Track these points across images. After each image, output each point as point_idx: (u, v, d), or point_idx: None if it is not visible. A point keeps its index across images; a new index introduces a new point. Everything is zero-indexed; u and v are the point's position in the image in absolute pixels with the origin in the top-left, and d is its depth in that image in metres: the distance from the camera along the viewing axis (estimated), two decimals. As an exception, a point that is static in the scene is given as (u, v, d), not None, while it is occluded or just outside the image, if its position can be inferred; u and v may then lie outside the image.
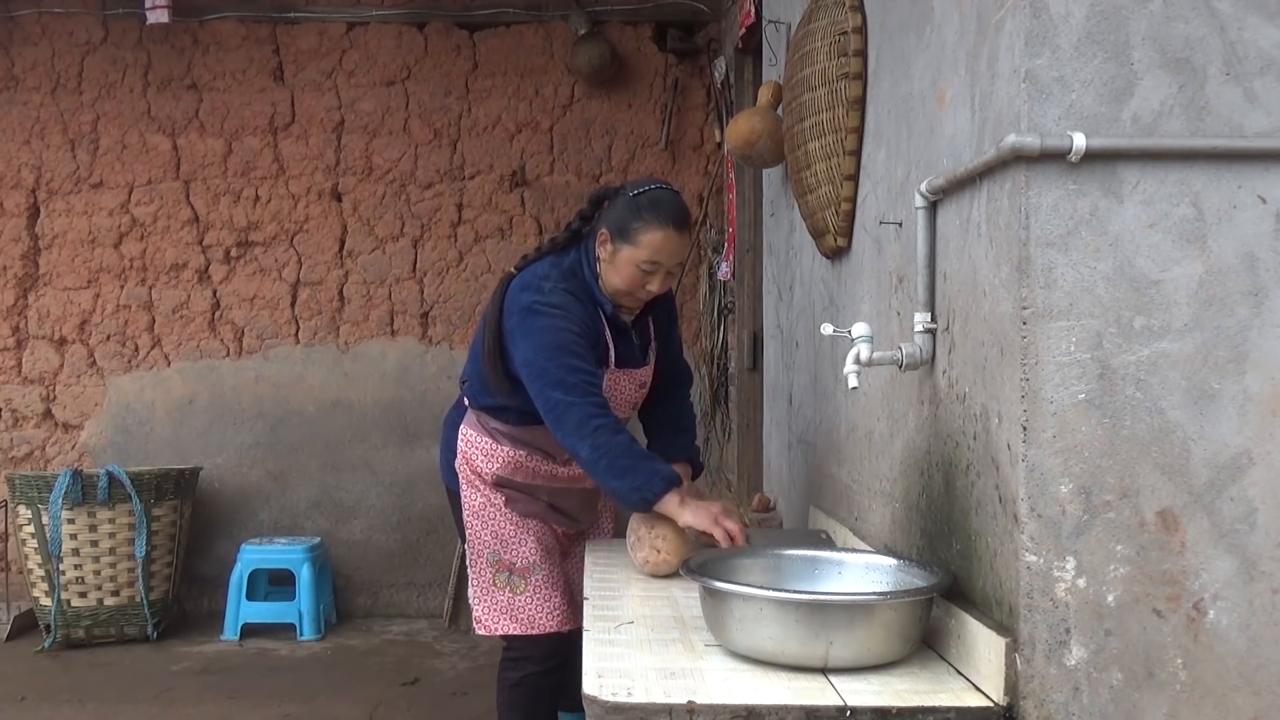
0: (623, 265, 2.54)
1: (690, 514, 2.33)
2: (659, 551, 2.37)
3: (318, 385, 5.39)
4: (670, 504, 2.34)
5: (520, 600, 2.76)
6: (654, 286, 2.57)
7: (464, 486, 2.81)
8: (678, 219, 2.53)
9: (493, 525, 2.77)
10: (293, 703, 4.09)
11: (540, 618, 2.76)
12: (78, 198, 5.32)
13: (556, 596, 2.77)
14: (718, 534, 2.29)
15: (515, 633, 2.76)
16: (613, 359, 2.63)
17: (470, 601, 2.83)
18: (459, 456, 2.82)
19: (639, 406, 2.86)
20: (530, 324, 2.53)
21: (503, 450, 2.74)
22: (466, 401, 2.85)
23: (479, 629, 2.81)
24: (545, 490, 2.78)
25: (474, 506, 2.79)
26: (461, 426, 2.82)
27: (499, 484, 2.76)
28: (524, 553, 2.76)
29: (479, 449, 2.77)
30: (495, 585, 2.78)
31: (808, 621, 1.65)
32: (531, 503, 2.78)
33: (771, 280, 3.81)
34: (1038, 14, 1.50)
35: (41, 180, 5.31)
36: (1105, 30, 1.51)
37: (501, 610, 2.77)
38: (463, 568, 4.14)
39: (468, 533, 2.82)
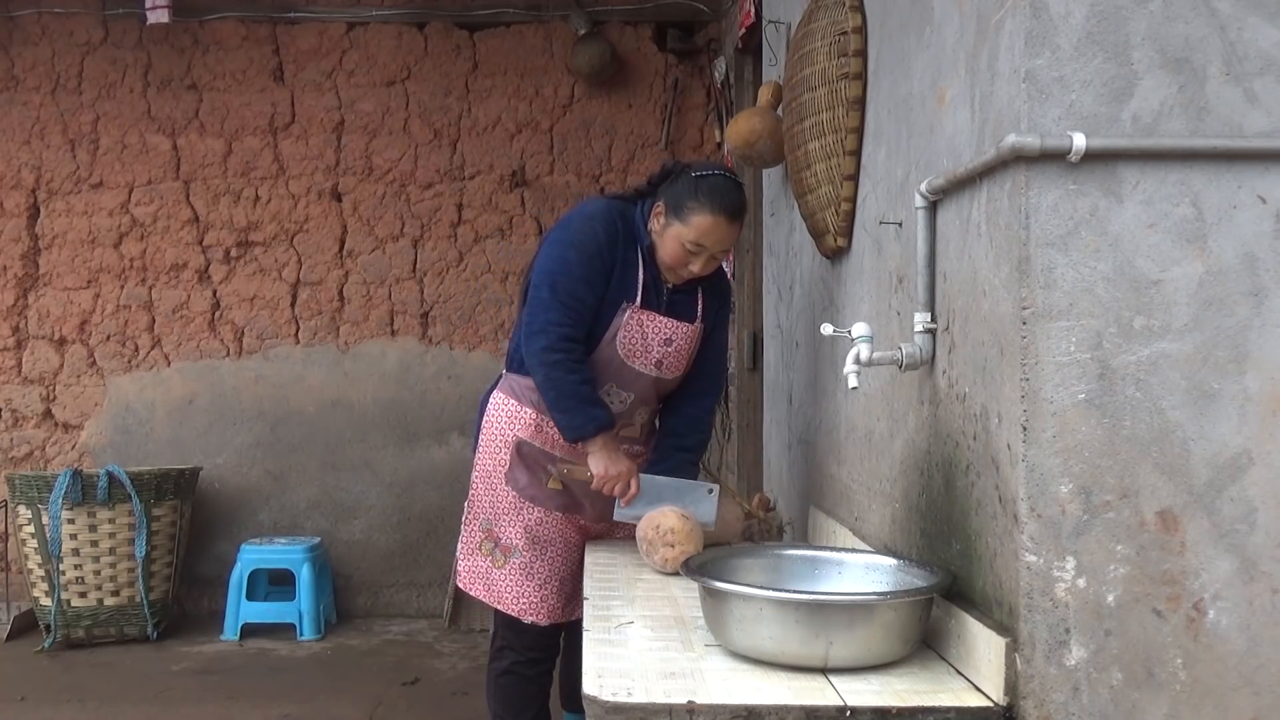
0: (670, 240, 2.63)
1: (596, 461, 2.65)
2: (673, 547, 2.46)
3: (318, 385, 5.39)
4: (593, 445, 2.65)
5: (496, 574, 2.82)
6: (696, 267, 2.65)
7: (480, 449, 2.85)
8: (730, 208, 2.60)
9: (493, 494, 2.82)
10: (293, 703, 4.09)
11: (508, 598, 2.80)
12: (78, 198, 5.32)
13: (530, 586, 2.79)
14: (612, 488, 2.64)
15: (485, 600, 2.85)
16: (639, 296, 2.69)
17: (456, 555, 2.91)
18: (484, 419, 2.87)
19: (668, 385, 2.81)
20: (560, 233, 2.71)
21: (525, 412, 2.78)
22: (504, 370, 2.90)
23: (459, 580, 2.89)
24: (560, 463, 2.78)
25: (483, 470, 2.84)
26: (494, 393, 2.88)
27: (519, 447, 2.78)
28: (510, 533, 2.80)
29: (505, 412, 2.82)
30: (480, 550, 2.85)
31: (808, 621, 1.65)
32: (537, 485, 2.79)
33: (771, 280, 3.80)
34: (1038, 14, 1.50)
35: (41, 180, 5.31)
36: (1105, 30, 1.51)
37: (479, 575, 2.85)
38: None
39: (471, 492, 2.88)
